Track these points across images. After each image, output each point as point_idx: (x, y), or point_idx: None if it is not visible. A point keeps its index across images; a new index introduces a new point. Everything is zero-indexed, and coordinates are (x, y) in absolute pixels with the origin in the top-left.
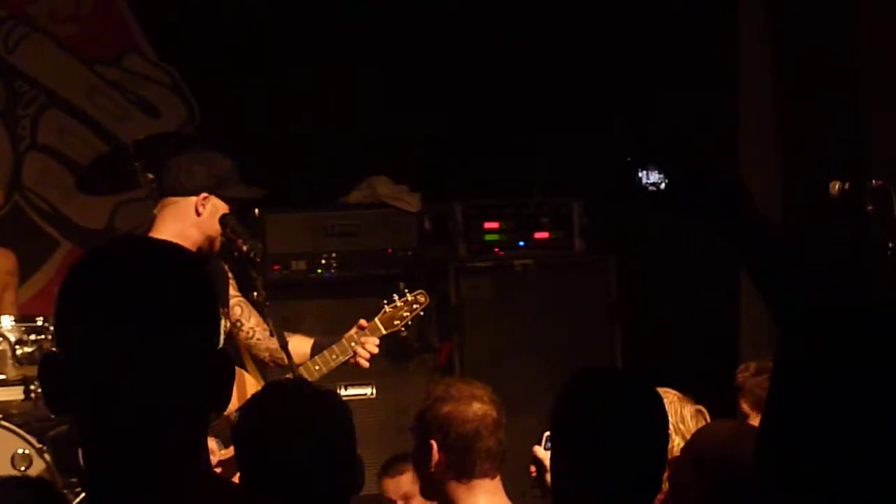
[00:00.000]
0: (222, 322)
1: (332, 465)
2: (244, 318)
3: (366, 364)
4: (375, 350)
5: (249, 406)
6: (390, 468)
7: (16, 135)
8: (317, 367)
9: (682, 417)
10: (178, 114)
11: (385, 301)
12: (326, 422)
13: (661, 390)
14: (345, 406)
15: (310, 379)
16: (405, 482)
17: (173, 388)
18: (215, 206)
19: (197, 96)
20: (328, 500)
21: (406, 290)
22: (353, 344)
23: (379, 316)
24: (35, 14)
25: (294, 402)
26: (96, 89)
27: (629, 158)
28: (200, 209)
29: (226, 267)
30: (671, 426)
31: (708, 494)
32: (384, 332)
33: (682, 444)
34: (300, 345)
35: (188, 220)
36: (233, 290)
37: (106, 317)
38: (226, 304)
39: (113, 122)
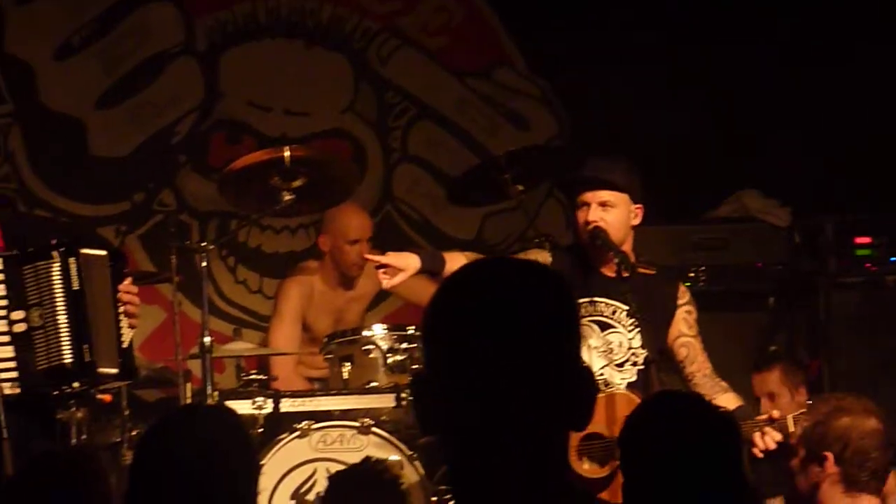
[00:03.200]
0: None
1: (716, 480)
2: (687, 361)
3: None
4: (773, 446)
5: (636, 419)
6: (762, 363)
7: (387, 146)
8: None
9: None
10: (547, 126)
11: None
12: (711, 436)
13: None
14: (732, 422)
15: None
16: (772, 380)
17: (539, 407)
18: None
19: (566, 108)
20: None
21: None
22: (755, 429)
23: (795, 414)
24: (407, 26)
25: (680, 416)
26: (466, 101)
27: None
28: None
29: (680, 303)
30: None
31: None
32: (791, 429)
33: None
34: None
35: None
36: (684, 328)
37: (471, 337)
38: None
39: (483, 134)
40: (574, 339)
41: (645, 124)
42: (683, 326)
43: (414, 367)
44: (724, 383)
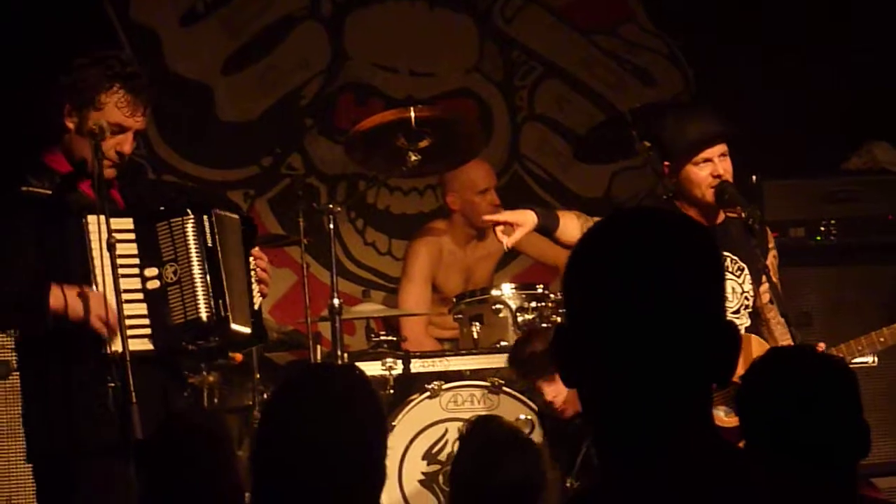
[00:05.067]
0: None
1: (838, 431)
2: (766, 307)
3: None
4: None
5: (751, 373)
6: None
7: (514, 105)
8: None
9: None
10: (673, 82)
11: None
12: (832, 388)
13: None
14: (850, 372)
15: None
16: None
17: (680, 360)
18: (686, 171)
19: (692, 64)
20: (834, 466)
21: None
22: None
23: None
24: None
25: (797, 368)
26: (593, 59)
27: None
28: (669, 172)
29: (770, 246)
30: None
31: None
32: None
33: None
34: None
35: (674, 185)
36: (770, 273)
37: (614, 287)
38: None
39: (609, 91)
40: (719, 292)
41: (771, 78)
42: (770, 271)
43: (543, 325)
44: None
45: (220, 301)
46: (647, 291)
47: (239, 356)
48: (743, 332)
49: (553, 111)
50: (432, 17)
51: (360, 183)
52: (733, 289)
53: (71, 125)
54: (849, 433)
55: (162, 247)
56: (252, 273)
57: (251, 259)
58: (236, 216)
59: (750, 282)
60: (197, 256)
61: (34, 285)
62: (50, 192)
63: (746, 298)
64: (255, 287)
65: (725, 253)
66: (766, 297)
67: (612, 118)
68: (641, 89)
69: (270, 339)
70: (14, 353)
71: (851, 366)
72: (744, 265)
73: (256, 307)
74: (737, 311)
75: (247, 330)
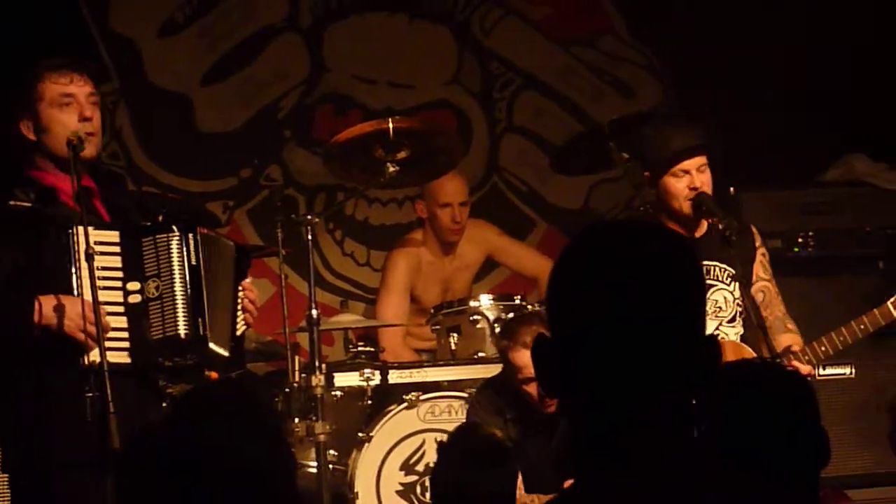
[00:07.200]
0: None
1: (792, 441)
2: (763, 305)
3: None
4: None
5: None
6: None
7: (492, 117)
8: (823, 349)
9: None
10: (652, 94)
11: None
12: (781, 398)
13: None
14: (802, 381)
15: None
16: None
17: (662, 373)
18: (664, 182)
19: (670, 76)
20: (794, 473)
21: None
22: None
23: (893, 300)
24: None
25: (744, 382)
26: (571, 70)
27: None
28: (648, 183)
29: (757, 245)
30: None
31: None
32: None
33: None
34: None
35: (652, 196)
36: (760, 271)
37: (594, 301)
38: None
39: (588, 103)
40: (699, 305)
41: (750, 89)
42: (760, 270)
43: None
44: (791, 325)
45: (200, 320)
46: (623, 303)
47: (214, 374)
48: (738, 339)
49: (532, 123)
50: (411, 29)
51: (339, 194)
52: (725, 298)
53: (33, 137)
54: (805, 443)
55: (146, 262)
56: (239, 301)
57: (240, 289)
58: (231, 243)
59: (739, 289)
60: (179, 274)
61: (17, 298)
62: (33, 205)
63: (738, 305)
64: (239, 315)
65: (714, 262)
66: (758, 298)
67: (591, 130)
68: (620, 101)
69: (248, 350)
70: None
71: (831, 379)
72: (733, 271)
73: (238, 333)
74: (732, 320)
75: (225, 353)
